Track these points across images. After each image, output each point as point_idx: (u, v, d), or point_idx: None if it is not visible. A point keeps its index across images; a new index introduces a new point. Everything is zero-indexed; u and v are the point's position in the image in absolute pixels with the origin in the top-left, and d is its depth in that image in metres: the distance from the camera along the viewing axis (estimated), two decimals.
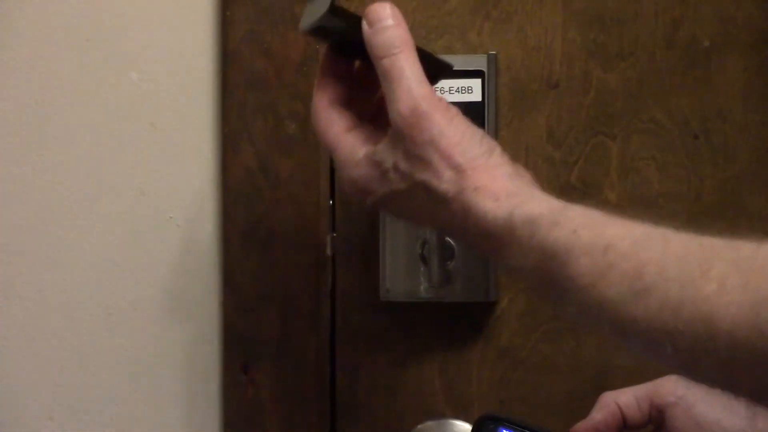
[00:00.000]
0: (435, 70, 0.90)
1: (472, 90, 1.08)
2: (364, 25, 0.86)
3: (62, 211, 1.12)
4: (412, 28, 1.10)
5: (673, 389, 0.95)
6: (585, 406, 0.94)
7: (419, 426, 1.12)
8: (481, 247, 0.82)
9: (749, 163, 1.12)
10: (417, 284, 1.10)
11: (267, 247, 1.12)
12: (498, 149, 0.84)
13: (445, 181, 0.82)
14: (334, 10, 0.85)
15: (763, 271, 0.66)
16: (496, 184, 0.81)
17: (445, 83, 1.08)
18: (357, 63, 0.91)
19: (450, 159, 0.82)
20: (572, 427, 0.95)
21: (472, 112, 1.09)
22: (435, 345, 1.13)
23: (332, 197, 1.12)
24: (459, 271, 1.09)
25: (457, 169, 0.82)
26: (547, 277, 0.76)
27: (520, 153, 1.11)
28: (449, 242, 1.09)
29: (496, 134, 1.10)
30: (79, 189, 1.12)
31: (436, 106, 0.83)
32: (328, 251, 1.12)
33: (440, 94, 1.09)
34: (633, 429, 0.95)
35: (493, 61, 1.09)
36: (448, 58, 1.08)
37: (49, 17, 1.11)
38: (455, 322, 1.12)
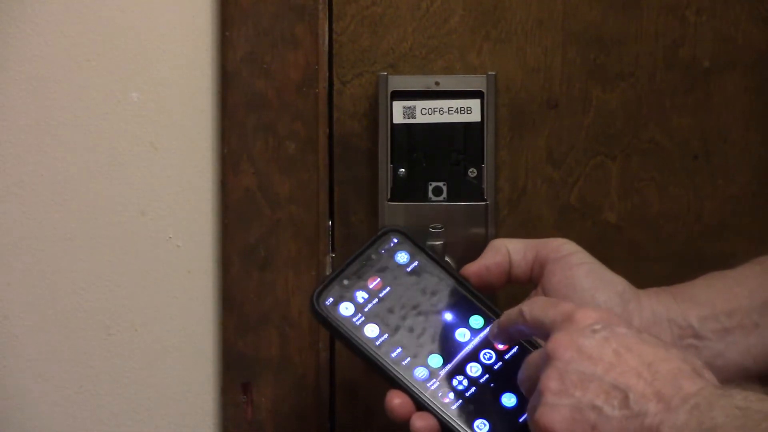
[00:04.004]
0: None
1: (472, 110, 1.08)
2: None
3: (62, 231, 1.12)
4: (412, 49, 1.11)
5: (559, 247, 0.97)
6: None
7: None
8: None
9: (749, 184, 1.12)
10: None
11: (266, 268, 1.12)
12: None
13: None
14: None
15: None
16: None
17: (444, 104, 1.08)
18: None
19: None
20: (463, 267, 0.98)
21: (471, 132, 1.09)
22: None
23: (331, 217, 1.12)
24: None
25: None
26: None
27: (519, 173, 1.11)
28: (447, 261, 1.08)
29: (495, 154, 1.10)
30: (78, 209, 1.12)
31: None
32: (328, 272, 1.12)
33: (441, 115, 1.10)
34: (516, 279, 0.98)
35: (492, 81, 1.09)
36: (447, 78, 1.09)
37: (50, 38, 1.11)
38: None
